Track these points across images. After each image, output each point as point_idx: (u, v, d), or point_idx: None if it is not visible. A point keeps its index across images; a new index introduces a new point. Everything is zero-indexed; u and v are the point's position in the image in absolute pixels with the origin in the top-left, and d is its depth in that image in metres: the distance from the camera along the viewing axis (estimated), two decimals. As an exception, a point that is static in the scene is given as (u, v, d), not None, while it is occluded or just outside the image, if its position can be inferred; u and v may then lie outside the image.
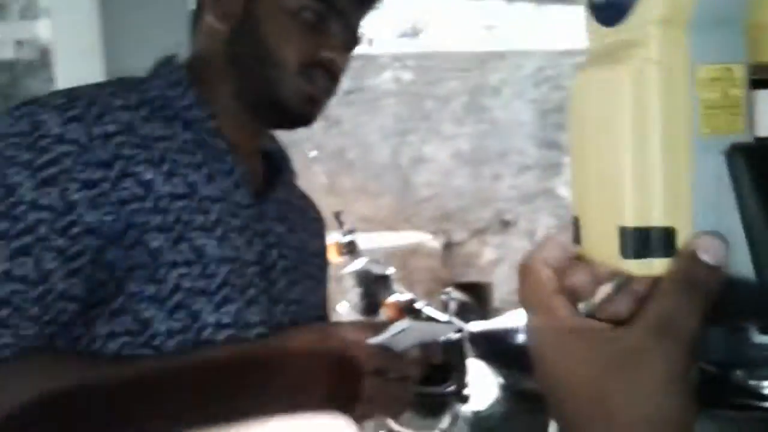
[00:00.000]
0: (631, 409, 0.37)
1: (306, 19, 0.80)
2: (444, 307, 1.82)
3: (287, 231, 0.88)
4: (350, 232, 1.95)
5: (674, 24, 0.40)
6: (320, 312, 0.94)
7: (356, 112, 3.68)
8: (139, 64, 0.87)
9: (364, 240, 2.10)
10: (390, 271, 1.77)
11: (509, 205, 3.77)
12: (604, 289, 0.47)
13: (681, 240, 0.40)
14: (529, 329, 0.44)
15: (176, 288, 0.73)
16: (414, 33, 4.03)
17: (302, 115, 0.83)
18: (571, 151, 0.47)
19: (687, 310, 0.38)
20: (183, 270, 0.73)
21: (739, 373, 0.44)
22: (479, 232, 3.68)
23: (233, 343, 0.75)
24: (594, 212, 0.44)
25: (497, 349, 1.79)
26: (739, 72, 0.39)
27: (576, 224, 0.46)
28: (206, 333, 0.74)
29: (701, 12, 0.40)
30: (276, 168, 0.92)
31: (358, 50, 0.89)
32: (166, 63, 0.85)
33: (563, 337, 0.41)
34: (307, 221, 0.95)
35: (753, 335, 0.41)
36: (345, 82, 0.90)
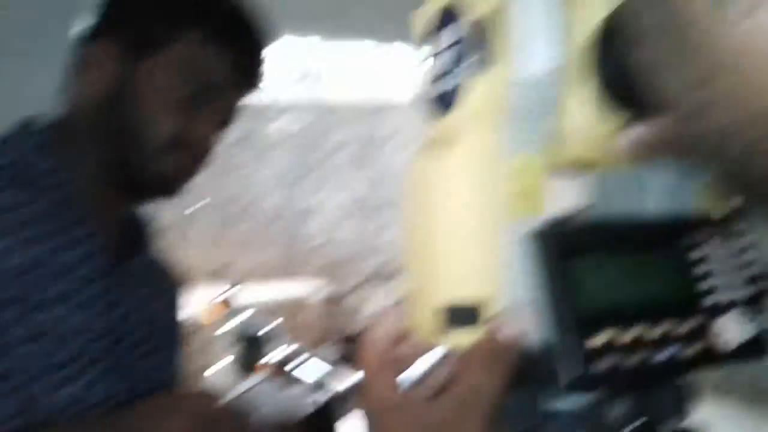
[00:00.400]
0: None
1: (181, 97, 0.80)
2: (328, 361, 1.82)
3: (143, 299, 0.86)
4: (233, 286, 1.93)
5: (489, 119, 0.44)
6: (173, 381, 0.92)
7: (247, 160, 3.66)
8: (19, 109, 0.84)
9: (249, 293, 2.07)
10: (269, 327, 1.75)
11: (394, 255, 3.83)
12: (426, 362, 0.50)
13: (489, 314, 0.43)
14: (361, 397, 0.46)
15: (20, 365, 0.70)
16: (309, 81, 4.08)
17: (165, 190, 0.83)
18: (404, 232, 0.50)
19: (491, 381, 0.41)
20: (30, 346, 0.71)
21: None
22: (364, 283, 3.72)
23: (78, 420, 0.72)
24: (419, 289, 0.47)
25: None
26: (543, 163, 0.44)
27: (408, 300, 0.49)
28: (51, 409, 0.71)
29: (513, 109, 0.44)
30: (138, 234, 0.90)
31: (253, 98, 0.88)
32: (27, 125, 0.82)
33: (386, 409, 0.43)
34: (164, 288, 0.94)
35: (552, 399, 0.45)
36: (237, 130, 0.89)
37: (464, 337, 0.43)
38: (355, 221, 3.83)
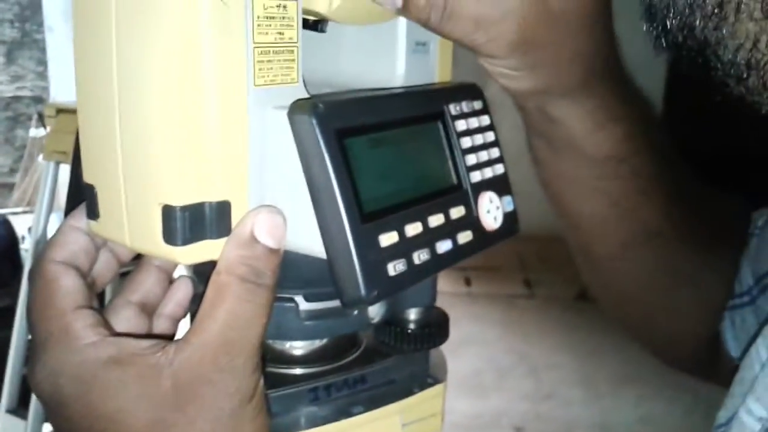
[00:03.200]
0: None
1: None
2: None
3: None
4: None
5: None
6: None
7: None
8: None
9: None
10: None
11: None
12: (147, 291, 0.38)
13: (235, 215, 0.33)
14: (43, 363, 0.31)
15: None
16: None
17: None
18: (78, 91, 0.34)
19: (253, 311, 0.31)
20: None
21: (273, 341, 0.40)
22: None
23: None
24: (120, 182, 0.33)
25: None
26: (294, 10, 0.33)
27: (91, 194, 0.35)
28: None
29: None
30: None
31: None
32: None
33: (95, 372, 0.30)
34: None
35: (300, 304, 0.37)
36: None
37: (201, 249, 0.32)
38: None
